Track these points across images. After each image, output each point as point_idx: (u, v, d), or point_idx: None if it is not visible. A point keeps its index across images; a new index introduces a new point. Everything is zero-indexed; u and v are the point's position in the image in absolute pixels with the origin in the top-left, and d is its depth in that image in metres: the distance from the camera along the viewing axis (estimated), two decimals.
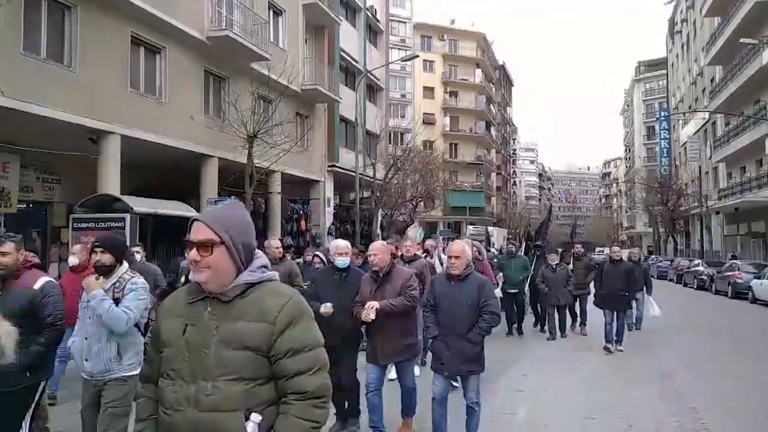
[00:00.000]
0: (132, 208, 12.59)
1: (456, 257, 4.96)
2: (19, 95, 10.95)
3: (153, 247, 16.44)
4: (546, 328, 11.89)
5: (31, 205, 15.02)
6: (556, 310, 11.56)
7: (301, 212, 22.48)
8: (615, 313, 10.03)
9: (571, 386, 7.77)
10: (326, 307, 5.25)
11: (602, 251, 39.18)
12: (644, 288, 12.40)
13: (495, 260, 13.45)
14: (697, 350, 10.88)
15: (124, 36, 13.78)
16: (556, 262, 11.80)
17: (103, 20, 13.11)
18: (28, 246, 4.15)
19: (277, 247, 7.69)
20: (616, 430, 5.96)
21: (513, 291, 11.78)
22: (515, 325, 11.98)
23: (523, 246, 15.57)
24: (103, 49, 13.10)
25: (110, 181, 13.35)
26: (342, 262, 5.52)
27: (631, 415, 6.43)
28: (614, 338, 10.05)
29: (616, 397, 7.18)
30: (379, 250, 5.39)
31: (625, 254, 11.83)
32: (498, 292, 12.00)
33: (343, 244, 5.69)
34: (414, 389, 5.45)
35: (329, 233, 23.88)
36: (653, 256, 46.11)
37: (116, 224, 12.04)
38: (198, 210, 15.88)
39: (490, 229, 41.84)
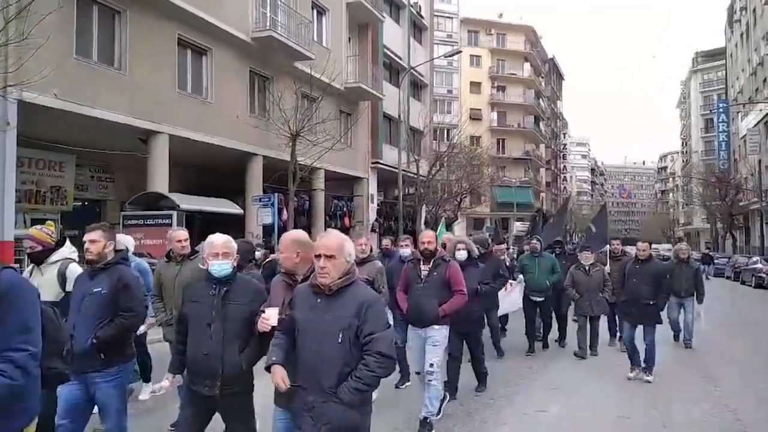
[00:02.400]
0: (178, 206, 13.03)
1: (327, 257, 2.97)
2: (72, 97, 11.48)
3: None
4: (572, 341, 9.95)
5: (86, 203, 15.73)
6: (588, 321, 9.40)
7: (345, 209, 22.76)
8: (642, 328, 7.73)
9: (607, 385, 7.62)
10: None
11: (656, 249, 36.92)
12: (695, 293, 10.33)
13: (515, 261, 11.79)
14: (745, 351, 10.39)
15: (171, 38, 14.25)
16: (590, 262, 9.56)
17: (151, 23, 13.59)
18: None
19: (180, 240, 5.37)
20: (649, 430, 5.85)
21: (538, 299, 9.65)
22: (539, 340, 9.95)
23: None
24: (152, 52, 13.58)
25: (159, 180, 13.83)
26: (217, 268, 3.59)
27: (665, 414, 6.28)
28: (641, 363, 7.81)
29: (652, 397, 7.01)
30: (284, 246, 3.58)
31: (671, 252, 9.81)
32: (517, 296, 9.90)
33: (219, 242, 3.69)
34: None
35: (373, 230, 24.07)
36: (711, 253, 44.39)
37: (164, 221, 12.50)
38: (243, 208, 16.30)
39: None
